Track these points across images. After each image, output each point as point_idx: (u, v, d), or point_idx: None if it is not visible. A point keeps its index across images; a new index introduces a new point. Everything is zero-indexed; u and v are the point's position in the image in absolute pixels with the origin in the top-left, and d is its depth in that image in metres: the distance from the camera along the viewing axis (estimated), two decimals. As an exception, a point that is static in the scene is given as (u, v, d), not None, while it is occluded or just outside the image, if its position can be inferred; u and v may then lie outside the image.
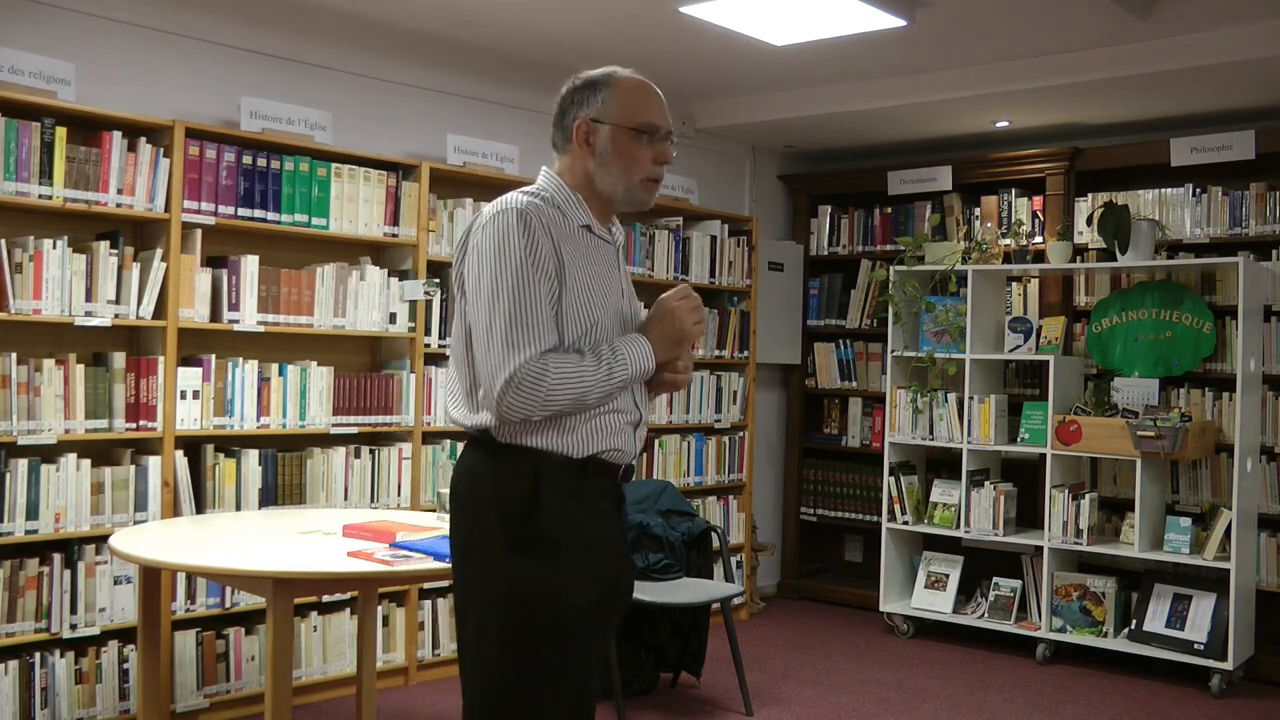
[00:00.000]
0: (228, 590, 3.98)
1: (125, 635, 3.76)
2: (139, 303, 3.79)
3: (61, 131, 3.60)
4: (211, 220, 3.93)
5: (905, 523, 5.58)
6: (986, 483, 5.36)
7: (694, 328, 2.16)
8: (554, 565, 2.05)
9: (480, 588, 2.11)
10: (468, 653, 2.15)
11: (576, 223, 2.14)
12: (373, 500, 4.41)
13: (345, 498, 4.32)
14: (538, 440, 2.07)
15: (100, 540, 3.66)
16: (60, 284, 3.60)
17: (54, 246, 3.59)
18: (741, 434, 5.84)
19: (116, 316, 3.73)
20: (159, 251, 3.82)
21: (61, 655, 3.64)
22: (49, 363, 3.60)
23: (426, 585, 4.50)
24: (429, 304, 4.54)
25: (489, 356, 2.01)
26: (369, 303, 4.38)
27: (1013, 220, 5.67)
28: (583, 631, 2.10)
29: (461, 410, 2.17)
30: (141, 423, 3.80)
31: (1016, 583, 5.33)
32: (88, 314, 3.67)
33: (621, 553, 2.21)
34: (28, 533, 3.55)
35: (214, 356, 3.98)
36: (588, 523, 2.10)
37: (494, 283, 2.03)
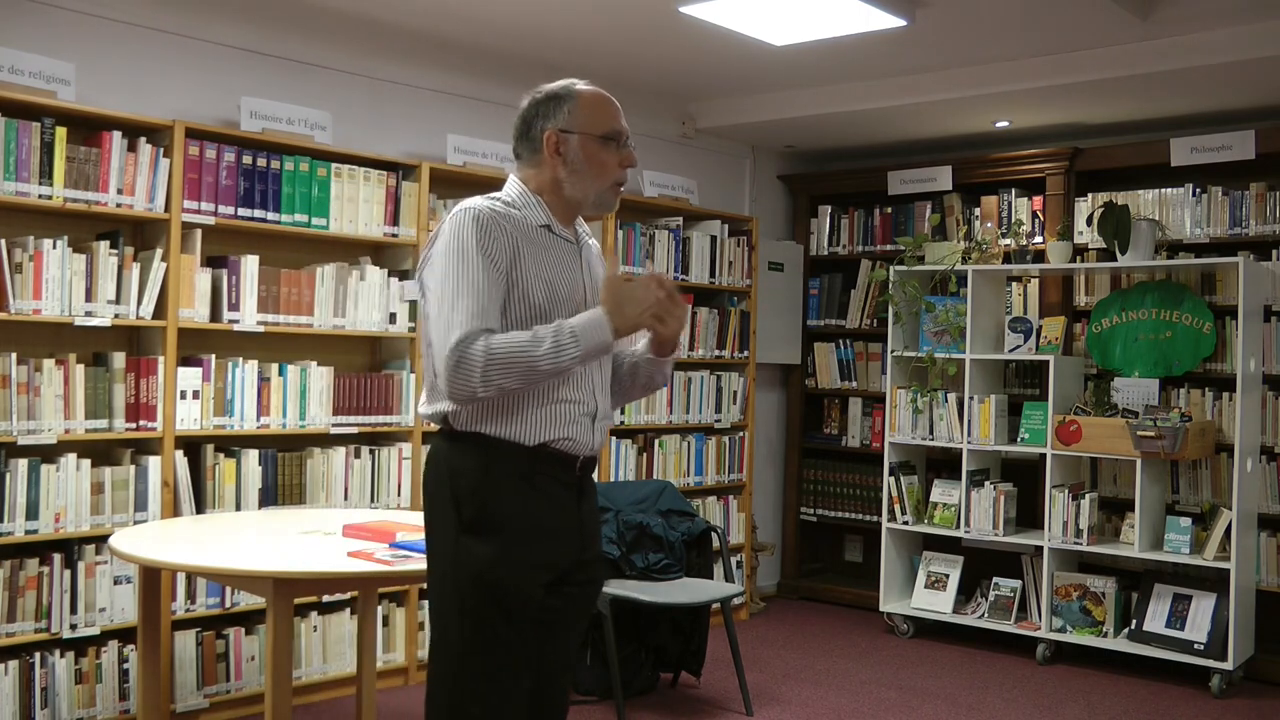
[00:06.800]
0: (228, 590, 3.98)
1: (125, 635, 3.76)
2: (139, 303, 3.79)
3: (61, 131, 3.60)
4: (211, 220, 3.93)
5: (905, 523, 5.57)
6: (986, 483, 5.36)
7: (652, 308, 2.13)
8: (500, 545, 2.14)
9: (438, 567, 2.23)
10: (432, 633, 2.25)
11: (535, 223, 2.24)
12: (373, 500, 4.41)
13: (345, 498, 4.32)
14: (490, 428, 2.18)
15: (100, 540, 3.65)
16: (60, 284, 3.60)
17: (54, 246, 3.59)
18: (741, 434, 5.84)
19: (116, 316, 3.73)
20: (159, 251, 3.82)
21: (61, 655, 3.64)
22: (49, 363, 3.60)
23: (427, 585, 4.49)
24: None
25: (438, 340, 2.12)
26: (369, 303, 4.38)
27: (1013, 220, 5.67)
28: (532, 614, 2.17)
29: (424, 403, 2.26)
30: (141, 423, 3.80)
31: (1016, 583, 5.33)
32: (88, 314, 3.67)
33: (582, 544, 2.27)
34: (28, 533, 3.55)
35: (214, 356, 3.98)
36: (537, 509, 2.18)
37: (444, 272, 2.15)
